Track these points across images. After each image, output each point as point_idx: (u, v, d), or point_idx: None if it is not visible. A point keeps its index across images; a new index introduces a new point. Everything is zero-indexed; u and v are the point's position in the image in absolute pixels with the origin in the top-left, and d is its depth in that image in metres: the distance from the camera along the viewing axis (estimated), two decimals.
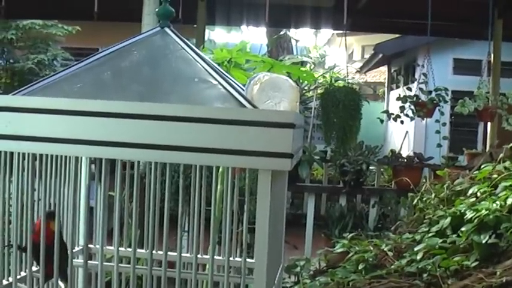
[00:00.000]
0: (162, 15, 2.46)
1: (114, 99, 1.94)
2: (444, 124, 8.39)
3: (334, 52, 24.10)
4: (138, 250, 2.62)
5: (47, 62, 13.90)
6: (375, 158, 8.21)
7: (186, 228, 3.18)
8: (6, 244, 2.24)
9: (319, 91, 12.76)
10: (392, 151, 8.97)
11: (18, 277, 2.31)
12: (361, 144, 8.23)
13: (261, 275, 1.86)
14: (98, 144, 1.86)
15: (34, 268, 2.29)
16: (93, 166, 2.73)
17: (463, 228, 3.90)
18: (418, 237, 4.38)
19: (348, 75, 10.50)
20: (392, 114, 8.65)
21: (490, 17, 9.04)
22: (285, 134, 1.80)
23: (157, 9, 2.49)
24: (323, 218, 8.84)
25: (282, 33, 17.10)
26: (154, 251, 2.38)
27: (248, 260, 2.39)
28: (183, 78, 2.24)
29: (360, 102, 8.23)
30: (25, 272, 2.37)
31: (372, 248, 4.42)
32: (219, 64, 3.30)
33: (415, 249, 4.07)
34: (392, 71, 20.97)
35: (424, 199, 5.06)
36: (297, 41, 19.45)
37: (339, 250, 4.78)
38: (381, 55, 18.75)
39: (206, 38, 11.14)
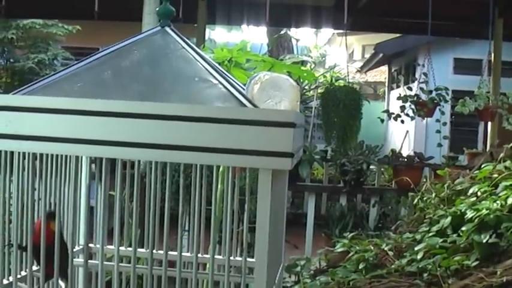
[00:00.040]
0: (163, 15, 2.46)
1: (114, 99, 1.94)
2: (445, 124, 8.38)
3: (335, 51, 24.14)
4: (139, 249, 2.62)
5: (47, 61, 13.90)
6: (375, 158, 8.20)
7: (187, 228, 3.18)
8: (6, 243, 2.24)
9: (319, 90, 12.77)
10: (392, 151, 8.96)
11: (18, 276, 2.31)
12: (361, 143, 8.23)
13: (261, 275, 1.86)
14: (99, 143, 1.86)
15: (34, 267, 2.29)
16: (93, 165, 2.73)
17: (463, 228, 3.90)
18: (418, 236, 4.38)
19: (348, 75, 10.49)
20: (393, 113, 8.65)
21: (490, 16, 9.03)
22: (286, 134, 1.80)
23: (157, 9, 2.49)
24: (323, 218, 8.84)
25: (282, 32, 17.10)
26: (154, 251, 2.38)
27: (248, 259, 2.38)
28: (183, 77, 2.24)
29: (360, 102, 8.23)
30: (25, 271, 2.37)
31: (372, 248, 4.42)
32: (219, 63, 3.30)
33: (416, 248, 4.07)
34: (392, 70, 20.97)
35: (425, 199, 5.06)
36: (297, 40, 19.45)
37: (340, 250, 4.78)
38: (381, 55, 18.74)
39: (206, 38, 11.13)
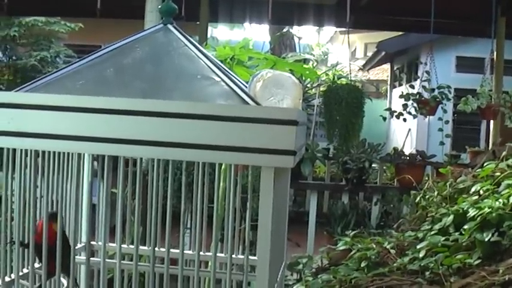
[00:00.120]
0: (165, 12, 2.46)
1: (116, 96, 1.94)
2: (447, 122, 8.39)
3: (337, 50, 24.16)
4: (141, 247, 2.62)
5: (49, 59, 13.91)
6: (377, 156, 8.20)
7: (189, 226, 3.18)
8: (8, 241, 2.24)
9: (321, 89, 12.78)
10: (394, 149, 8.97)
11: (20, 274, 2.31)
12: (363, 141, 8.23)
13: (263, 273, 1.86)
14: (101, 141, 1.86)
15: (36, 265, 2.29)
16: (95, 163, 2.73)
17: (465, 226, 3.89)
18: (420, 235, 4.37)
19: (350, 73, 10.50)
20: (395, 111, 8.65)
21: (493, 14, 9.02)
22: (288, 131, 1.79)
23: (160, 6, 2.49)
24: (325, 216, 8.84)
25: (284, 30, 17.12)
26: (156, 248, 2.38)
27: (250, 257, 2.39)
28: (186, 75, 2.24)
29: (362, 100, 8.23)
30: (27, 268, 2.38)
31: (374, 246, 4.41)
32: (221, 61, 3.30)
33: (418, 247, 4.06)
34: (395, 68, 20.97)
35: (427, 197, 5.05)
36: (299, 38, 19.47)
37: (342, 248, 4.77)
38: (383, 53, 18.76)
39: (209, 35, 11.13)
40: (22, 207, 2.18)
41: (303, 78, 9.26)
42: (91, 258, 2.71)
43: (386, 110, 9.57)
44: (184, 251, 2.15)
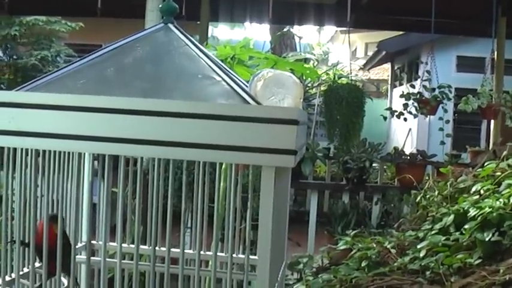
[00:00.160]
0: (166, 12, 2.46)
1: (117, 96, 1.94)
2: (447, 121, 8.39)
3: (338, 49, 24.14)
4: (141, 246, 2.62)
5: (50, 58, 13.90)
6: (378, 155, 8.19)
7: (189, 225, 3.18)
8: (9, 240, 2.24)
9: (322, 88, 12.77)
10: (395, 148, 8.97)
11: (20, 273, 2.31)
12: (364, 141, 8.23)
13: (264, 272, 1.86)
14: (101, 140, 1.86)
15: (37, 264, 2.29)
16: (96, 162, 2.73)
17: (466, 226, 3.89)
18: (421, 234, 4.37)
19: (351, 72, 10.51)
20: (396, 111, 8.65)
21: (493, 14, 9.02)
22: (289, 131, 1.79)
23: (160, 6, 2.49)
24: (326, 215, 8.85)
25: (285, 30, 17.12)
26: (157, 248, 2.38)
27: (251, 256, 2.38)
28: (186, 74, 2.24)
29: (363, 100, 8.23)
30: (28, 268, 2.37)
31: (374, 245, 4.41)
32: (222, 61, 3.30)
33: (418, 246, 4.06)
34: (395, 68, 20.98)
35: (427, 196, 5.05)
36: (300, 38, 19.46)
37: (342, 247, 4.77)
38: (384, 52, 18.76)
39: (209, 35, 11.13)
40: (23, 206, 2.18)
41: (304, 77, 9.26)
42: (91, 258, 2.71)
43: (386, 109, 9.58)
44: (185, 251, 2.15)
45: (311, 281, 4.43)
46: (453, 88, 8.73)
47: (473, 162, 7.63)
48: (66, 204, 2.72)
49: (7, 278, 2.27)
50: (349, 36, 9.67)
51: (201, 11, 9.20)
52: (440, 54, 11.95)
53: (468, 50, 15.54)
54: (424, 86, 8.60)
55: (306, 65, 8.45)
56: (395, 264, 4.07)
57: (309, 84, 14.27)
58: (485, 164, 4.82)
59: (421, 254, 3.95)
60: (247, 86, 2.21)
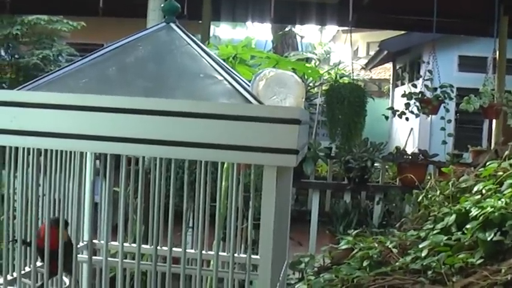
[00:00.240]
0: (168, 11, 2.46)
1: (119, 95, 1.93)
2: (449, 121, 8.39)
3: (339, 49, 24.13)
4: (143, 246, 2.62)
5: (52, 57, 13.91)
6: (379, 155, 8.19)
7: (191, 224, 3.18)
8: (11, 239, 2.24)
9: (324, 87, 12.77)
10: (397, 148, 8.97)
11: (22, 272, 2.31)
12: (366, 141, 8.22)
13: (265, 271, 1.86)
14: (103, 139, 1.86)
15: (38, 263, 2.29)
16: (97, 162, 2.73)
17: (468, 226, 3.89)
18: (422, 234, 4.37)
19: (353, 72, 10.48)
20: (397, 111, 8.65)
21: (495, 14, 9.01)
22: (291, 130, 1.79)
23: (162, 5, 2.48)
24: (327, 215, 8.84)
25: (287, 29, 17.12)
26: (158, 247, 2.38)
27: (253, 256, 2.39)
28: (188, 73, 2.23)
29: (365, 99, 8.22)
30: (29, 267, 2.38)
31: (376, 245, 4.41)
32: (224, 60, 3.30)
33: (420, 246, 4.06)
34: (397, 67, 20.96)
35: (429, 196, 5.05)
36: (302, 37, 19.46)
37: (344, 247, 4.77)
38: (386, 52, 18.74)
39: (211, 34, 11.14)
40: (24, 205, 2.18)
41: (306, 77, 9.28)
42: (93, 257, 2.72)
43: (388, 109, 9.58)
44: (187, 250, 2.15)
45: (313, 281, 4.43)
46: (455, 88, 8.72)
47: (475, 162, 7.62)
48: (68, 204, 2.72)
49: (9, 277, 2.27)
50: (350, 36, 9.67)
51: (203, 11, 9.21)
52: (442, 54, 11.92)
53: (470, 49, 15.52)
54: (426, 86, 8.59)
55: (307, 65, 8.47)
56: (397, 263, 4.07)
57: (311, 84, 14.27)
58: (487, 163, 4.82)
59: (423, 254, 3.95)
60: (249, 86, 2.21)
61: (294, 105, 2.13)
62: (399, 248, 4.37)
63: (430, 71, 8.69)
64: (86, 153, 2.56)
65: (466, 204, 4.15)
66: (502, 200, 3.85)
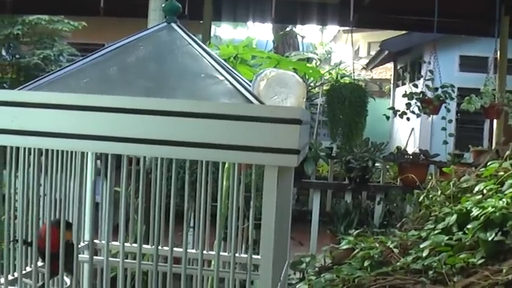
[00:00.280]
0: (169, 11, 2.46)
1: (120, 95, 1.93)
2: (450, 121, 8.39)
3: (340, 49, 24.14)
4: (144, 246, 2.62)
5: (53, 57, 13.92)
6: (380, 155, 8.19)
7: (192, 224, 3.18)
8: (12, 239, 2.24)
9: (325, 87, 12.76)
10: (398, 148, 8.97)
11: (23, 272, 2.31)
12: (367, 140, 8.22)
13: (266, 271, 1.86)
14: (104, 139, 1.86)
15: (39, 263, 2.29)
16: (99, 161, 2.73)
17: (469, 226, 3.89)
18: (424, 234, 4.37)
19: (353, 72, 10.48)
20: (398, 111, 8.65)
21: (496, 14, 9.02)
22: (292, 130, 1.79)
23: (163, 5, 2.48)
24: (328, 215, 8.85)
25: (288, 29, 17.11)
26: (160, 247, 2.38)
27: (254, 256, 2.38)
28: (189, 73, 2.23)
29: (365, 99, 8.22)
30: (30, 267, 2.37)
31: (377, 245, 4.41)
32: (225, 60, 3.30)
33: (421, 246, 4.06)
34: (398, 67, 20.96)
35: (430, 196, 5.05)
36: (303, 37, 19.45)
37: (345, 247, 4.78)
38: (387, 52, 18.75)
39: (212, 34, 11.14)
40: (25, 205, 2.18)
41: (307, 77, 9.28)
42: (94, 257, 2.71)
43: (389, 109, 9.58)
44: (188, 250, 2.15)
45: (313, 281, 4.43)
46: (456, 88, 8.73)
47: (476, 162, 7.62)
48: (69, 204, 2.72)
49: (10, 277, 2.27)
50: (351, 36, 9.67)
51: (204, 11, 9.21)
52: (443, 54, 11.92)
53: (471, 49, 15.52)
54: (427, 86, 8.59)
55: (308, 65, 8.46)
56: (398, 263, 4.07)
57: (312, 84, 14.26)
58: (488, 163, 4.82)
59: (424, 254, 3.95)
60: (250, 86, 2.21)
61: (295, 105, 2.13)
62: (400, 248, 4.38)
63: (431, 71, 8.69)
64: (87, 153, 2.56)
65: (467, 204, 4.15)
66: (503, 200, 3.85)
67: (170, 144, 1.83)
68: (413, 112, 8.46)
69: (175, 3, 2.44)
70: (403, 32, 15.19)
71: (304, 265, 4.99)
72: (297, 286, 4.65)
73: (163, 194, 2.57)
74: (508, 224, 3.69)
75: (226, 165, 3.24)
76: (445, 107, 8.35)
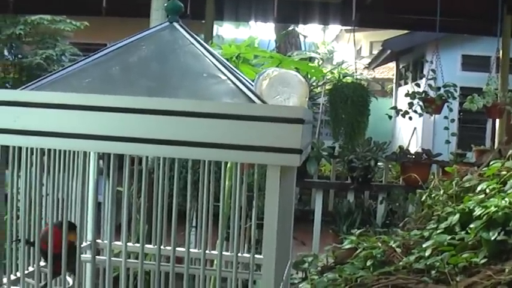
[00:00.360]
0: (171, 10, 2.46)
1: (122, 94, 1.93)
2: (453, 120, 8.37)
3: (343, 48, 24.16)
4: (146, 245, 2.62)
5: (55, 57, 13.93)
6: (383, 154, 8.18)
7: (194, 224, 3.17)
8: (14, 239, 2.24)
9: (327, 87, 12.75)
10: (400, 147, 8.95)
11: (26, 272, 2.31)
12: (369, 140, 8.21)
13: (269, 271, 1.85)
14: (106, 139, 1.86)
15: (42, 263, 2.29)
16: (101, 161, 2.73)
17: (471, 225, 3.89)
18: (426, 233, 4.37)
19: (356, 71, 10.50)
20: (401, 110, 8.64)
21: (499, 13, 9.00)
22: (294, 130, 1.79)
23: (166, 4, 2.48)
24: (331, 214, 8.84)
25: (290, 29, 17.10)
26: (162, 247, 2.38)
27: (256, 255, 2.38)
28: (191, 73, 2.23)
29: (368, 98, 8.22)
30: (33, 267, 2.37)
31: (380, 245, 4.41)
32: (227, 59, 3.29)
33: (424, 245, 4.06)
34: (400, 67, 20.94)
35: (433, 195, 5.05)
36: (305, 36, 19.45)
37: (347, 246, 4.77)
38: (389, 51, 18.74)
39: (214, 34, 11.14)
40: (28, 205, 2.18)
41: (309, 76, 9.26)
42: (96, 257, 2.71)
43: (392, 108, 9.57)
44: (190, 250, 2.15)
45: (316, 280, 4.43)
46: (458, 87, 8.71)
47: (478, 161, 7.62)
48: (71, 203, 2.72)
49: (12, 277, 2.27)
50: (354, 35, 9.66)
51: (206, 10, 9.20)
52: (445, 53, 11.93)
53: (473, 48, 15.51)
54: (429, 85, 8.58)
55: (311, 64, 8.46)
56: (401, 263, 4.07)
57: (314, 83, 14.25)
58: (491, 163, 4.82)
59: (427, 253, 3.95)
60: (252, 85, 2.21)
61: (297, 105, 2.13)
62: (403, 248, 4.37)
63: (433, 70, 8.69)
64: (89, 152, 2.56)
65: (470, 203, 4.14)
66: (506, 199, 3.85)
67: (172, 144, 1.83)
68: (415, 111, 8.46)
69: (177, 2, 2.44)
70: (406, 31, 15.18)
71: (306, 265, 4.99)
72: (300, 286, 4.64)
73: (166, 194, 2.56)
74: (511, 223, 3.69)
75: (228, 165, 3.23)
76: (448, 106, 8.34)
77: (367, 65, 22.36)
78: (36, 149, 2.03)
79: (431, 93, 8.50)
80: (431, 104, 8.32)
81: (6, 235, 2.18)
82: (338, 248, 5.09)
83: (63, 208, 2.46)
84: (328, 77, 13.90)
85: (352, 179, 8.14)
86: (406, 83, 19.48)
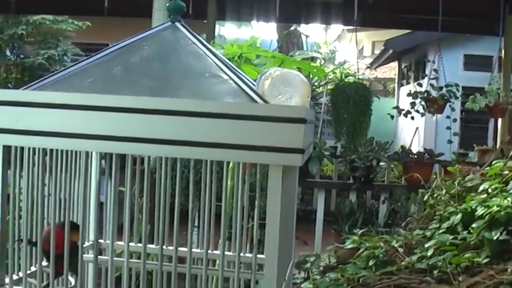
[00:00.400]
0: (173, 10, 2.46)
1: (124, 94, 1.93)
2: (455, 120, 8.38)
3: (345, 48, 24.15)
4: (148, 245, 2.62)
5: (57, 57, 13.92)
6: (385, 154, 8.18)
7: (197, 224, 3.17)
8: (16, 239, 2.24)
9: (329, 87, 12.77)
10: (402, 147, 8.95)
11: (28, 272, 2.31)
12: (371, 140, 8.21)
13: (271, 271, 1.85)
14: (108, 139, 1.86)
15: (44, 263, 2.29)
16: (103, 161, 2.73)
17: (474, 225, 3.88)
18: (428, 233, 4.37)
19: (358, 71, 10.49)
20: (403, 110, 8.64)
21: (501, 12, 9.00)
22: (296, 129, 1.79)
23: (168, 4, 2.48)
24: (333, 214, 8.84)
25: (292, 28, 17.11)
26: (164, 247, 2.38)
27: (258, 255, 2.38)
28: (193, 73, 2.23)
29: (370, 98, 8.23)
30: (35, 267, 2.38)
31: (382, 244, 4.41)
32: (229, 59, 3.29)
33: (426, 245, 4.06)
34: (402, 66, 20.93)
35: (435, 195, 5.04)
36: (307, 36, 19.44)
37: (349, 246, 4.77)
38: (391, 51, 18.72)
39: (216, 34, 11.14)
40: (30, 205, 2.18)
41: (311, 76, 9.27)
42: (99, 257, 2.72)
43: (394, 108, 9.59)
44: (192, 249, 2.15)
45: (318, 280, 4.43)
46: (460, 87, 8.71)
47: (480, 161, 7.62)
48: (74, 203, 2.72)
49: (14, 277, 2.27)
50: (356, 35, 9.68)
51: (208, 10, 9.21)
52: (447, 53, 11.90)
53: (475, 48, 15.49)
54: (432, 85, 8.58)
55: (313, 64, 8.46)
56: (403, 263, 4.07)
57: (316, 83, 14.26)
58: (493, 162, 4.81)
59: (429, 253, 3.95)
60: (254, 85, 2.20)
61: (299, 105, 2.13)
62: (405, 248, 4.37)
63: (435, 70, 8.68)
64: (92, 152, 2.56)
65: (472, 203, 4.14)
66: (508, 199, 3.84)
67: (175, 144, 1.83)
68: (417, 111, 8.46)
69: (179, 2, 2.44)
70: (408, 31, 15.17)
71: (308, 264, 4.99)
72: (302, 285, 4.64)
73: (168, 194, 2.56)
74: None
75: (230, 165, 3.23)
76: (450, 106, 8.34)
77: (369, 65, 22.35)
78: (39, 149, 2.03)
79: (434, 93, 8.50)
80: (434, 104, 8.32)
81: (8, 235, 2.18)
82: (340, 247, 5.09)
83: (65, 208, 2.46)
84: (330, 77, 13.94)
85: (354, 179, 8.14)
86: (408, 83, 19.47)
